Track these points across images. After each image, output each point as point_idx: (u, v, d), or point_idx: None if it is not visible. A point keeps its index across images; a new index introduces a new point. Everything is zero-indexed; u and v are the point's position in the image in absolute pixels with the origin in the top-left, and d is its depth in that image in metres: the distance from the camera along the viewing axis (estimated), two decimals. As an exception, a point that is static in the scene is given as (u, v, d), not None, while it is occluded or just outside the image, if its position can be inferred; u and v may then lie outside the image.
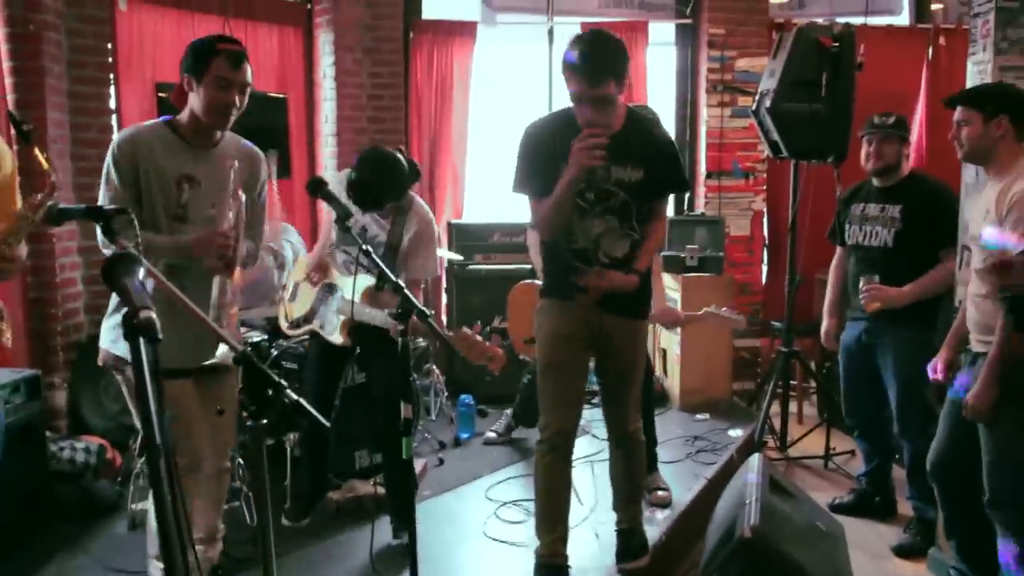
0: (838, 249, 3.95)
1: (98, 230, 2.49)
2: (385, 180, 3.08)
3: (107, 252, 2.53)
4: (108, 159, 2.45)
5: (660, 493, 3.69)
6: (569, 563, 2.98)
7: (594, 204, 2.78)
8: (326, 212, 3.38)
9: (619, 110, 2.78)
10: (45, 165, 2.08)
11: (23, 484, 3.28)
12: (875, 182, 3.67)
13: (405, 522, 3.11)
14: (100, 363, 2.64)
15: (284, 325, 3.44)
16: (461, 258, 5.33)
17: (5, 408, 3.17)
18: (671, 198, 5.96)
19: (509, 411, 4.58)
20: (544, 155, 2.78)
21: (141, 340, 1.11)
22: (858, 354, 3.69)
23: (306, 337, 3.46)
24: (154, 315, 1.15)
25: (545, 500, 2.97)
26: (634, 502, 3.14)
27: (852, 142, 4.23)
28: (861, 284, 3.53)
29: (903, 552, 3.48)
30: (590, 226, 2.80)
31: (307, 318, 3.30)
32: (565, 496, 2.98)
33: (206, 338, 2.20)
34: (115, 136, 2.49)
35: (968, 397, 2.70)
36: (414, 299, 2.40)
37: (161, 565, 2.51)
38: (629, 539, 3.12)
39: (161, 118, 2.58)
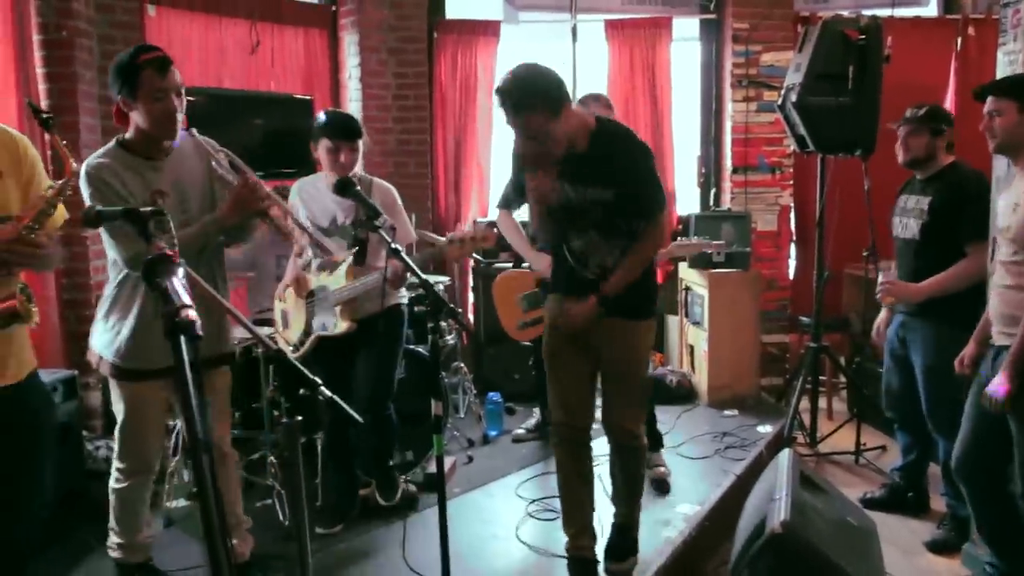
0: None
1: (108, 243, 2.58)
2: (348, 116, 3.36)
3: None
4: (93, 190, 2.47)
5: (660, 469, 3.86)
6: (597, 557, 3.00)
7: (574, 220, 2.80)
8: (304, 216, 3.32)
9: (582, 130, 2.75)
10: (64, 151, 2.12)
11: (60, 483, 3.34)
12: (917, 174, 3.61)
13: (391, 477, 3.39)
14: (88, 358, 2.78)
15: (289, 352, 3.37)
16: (482, 257, 5.33)
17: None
18: (692, 193, 6.03)
19: (538, 408, 4.60)
20: (515, 164, 2.99)
21: (182, 338, 1.14)
22: (896, 347, 3.67)
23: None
24: (195, 314, 1.18)
25: (562, 494, 3.04)
26: (632, 500, 3.11)
27: (880, 135, 4.20)
28: (880, 277, 3.50)
29: (937, 548, 3.44)
30: (573, 241, 2.85)
31: (307, 332, 3.30)
32: (581, 490, 3.01)
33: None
34: (84, 165, 2.50)
35: (988, 389, 2.68)
36: (442, 296, 2.48)
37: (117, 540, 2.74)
38: (622, 535, 3.11)
39: (112, 141, 2.62)
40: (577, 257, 2.86)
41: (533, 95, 2.61)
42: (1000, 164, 3.15)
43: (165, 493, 3.47)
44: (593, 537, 3.03)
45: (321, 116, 3.27)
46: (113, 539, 2.86)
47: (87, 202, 2.54)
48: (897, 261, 3.69)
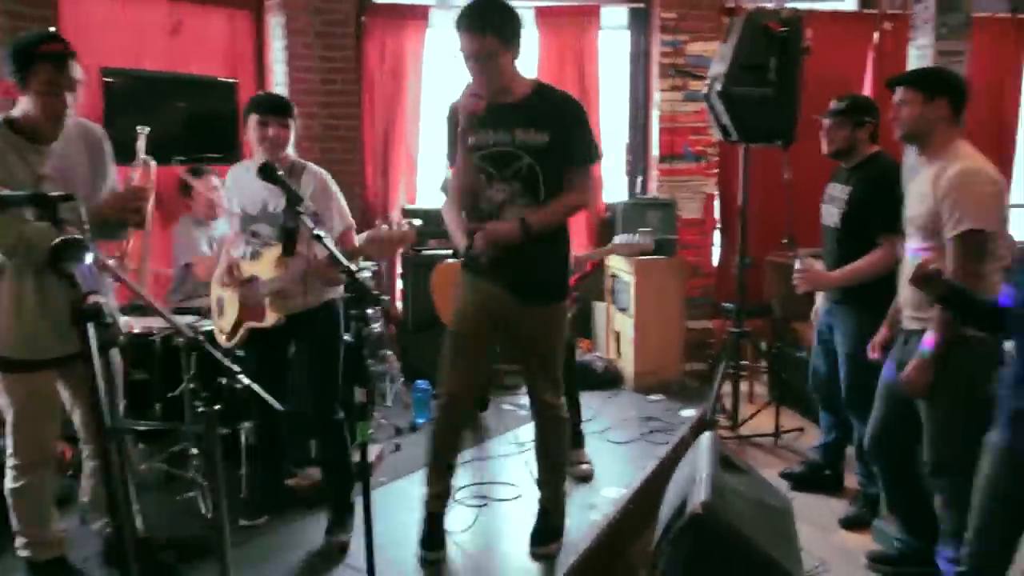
0: None
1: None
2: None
3: None
4: None
5: (583, 467, 3.88)
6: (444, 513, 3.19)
7: (500, 169, 2.87)
8: (234, 203, 3.27)
9: (523, 80, 2.90)
10: None
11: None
12: (843, 163, 3.66)
13: (345, 516, 3.20)
14: None
15: (223, 341, 3.30)
16: (420, 222, 5.25)
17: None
18: (619, 181, 6.10)
19: None
20: (453, 124, 2.96)
21: (90, 325, 1.11)
22: (824, 332, 3.77)
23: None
24: (103, 300, 1.15)
25: (436, 458, 3.16)
26: (555, 478, 3.21)
27: (800, 125, 4.31)
28: (796, 265, 3.60)
29: (849, 524, 3.57)
30: (494, 192, 2.90)
31: (240, 321, 3.20)
32: (452, 456, 3.20)
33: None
34: None
35: (904, 373, 2.80)
36: (367, 284, 2.44)
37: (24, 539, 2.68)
38: (546, 520, 3.19)
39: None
40: (489, 214, 2.90)
41: (498, 15, 2.74)
42: (911, 155, 3.26)
43: (80, 489, 3.36)
44: (449, 495, 3.22)
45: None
46: (20, 539, 2.77)
47: None
48: (824, 248, 3.79)
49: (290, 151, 3.20)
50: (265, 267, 3.07)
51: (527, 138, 2.83)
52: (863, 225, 3.47)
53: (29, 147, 2.50)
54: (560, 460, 3.24)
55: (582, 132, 2.93)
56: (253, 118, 3.10)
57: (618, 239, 3.96)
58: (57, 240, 1.27)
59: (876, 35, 6.01)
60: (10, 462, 2.69)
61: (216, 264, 4.17)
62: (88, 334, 1.11)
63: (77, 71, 2.48)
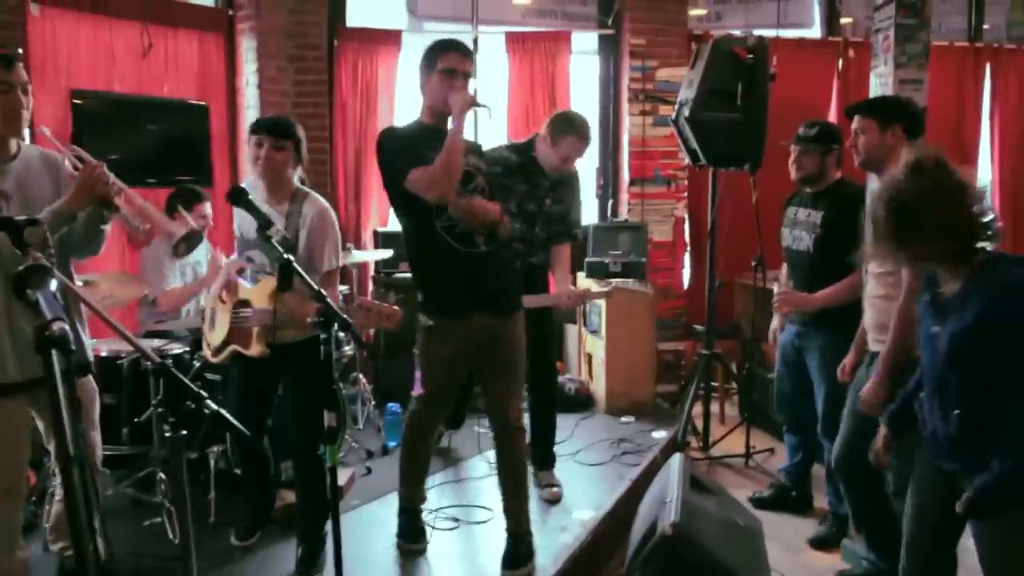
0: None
1: None
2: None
3: None
4: None
5: (553, 490, 3.88)
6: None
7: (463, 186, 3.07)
8: (236, 225, 3.25)
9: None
10: None
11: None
12: (807, 188, 3.74)
13: (318, 552, 3.16)
14: None
15: (208, 355, 3.29)
16: (391, 253, 5.26)
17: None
18: (591, 204, 6.15)
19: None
20: (414, 150, 2.99)
21: (54, 352, 1.10)
22: (791, 355, 3.80)
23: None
24: (67, 327, 1.14)
25: (415, 464, 3.41)
26: (519, 499, 3.25)
27: (767, 150, 4.39)
28: (776, 288, 3.64)
29: (818, 544, 3.61)
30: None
31: (227, 341, 3.15)
32: (427, 463, 3.49)
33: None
34: None
35: (863, 391, 2.85)
36: (334, 305, 2.44)
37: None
38: (516, 545, 3.18)
39: None
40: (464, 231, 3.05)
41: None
42: (874, 180, 3.34)
43: (44, 515, 3.31)
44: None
45: None
46: None
47: None
48: (789, 271, 3.83)
49: (294, 179, 3.14)
50: (259, 296, 2.99)
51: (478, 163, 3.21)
52: (837, 248, 3.48)
53: None
54: (524, 477, 3.30)
55: None
56: (251, 138, 3.05)
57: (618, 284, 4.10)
58: (20, 267, 1.27)
59: (840, 62, 6.15)
60: None
61: (182, 296, 4.15)
62: (52, 361, 1.10)
63: (24, 75, 2.48)
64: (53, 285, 1.24)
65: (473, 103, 2.95)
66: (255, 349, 3.01)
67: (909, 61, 3.29)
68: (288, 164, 3.07)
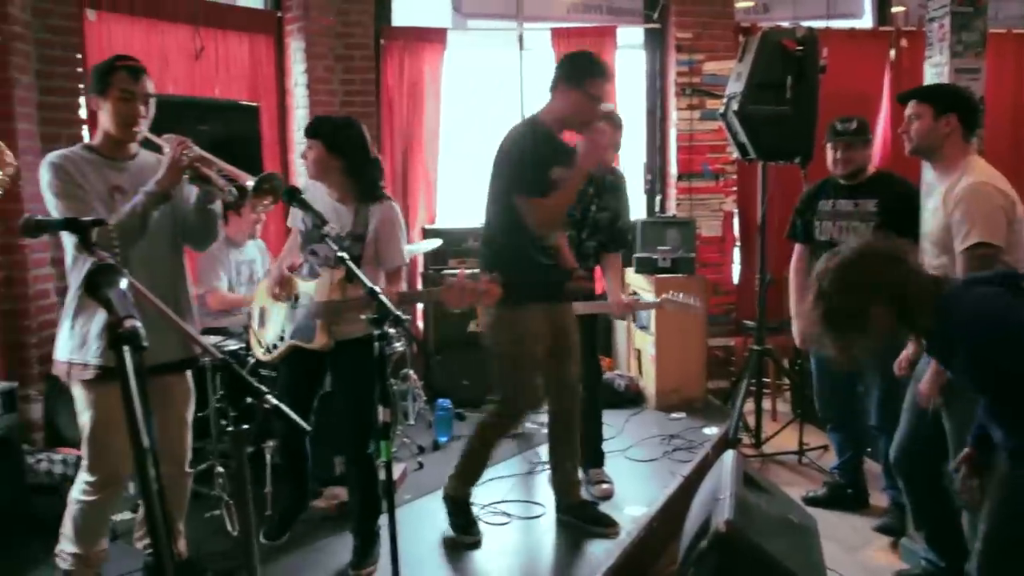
0: (797, 248, 3.97)
1: (68, 242, 2.56)
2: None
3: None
4: (54, 175, 2.52)
5: (604, 486, 3.90)
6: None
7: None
8: (292, 227, 3.33)
9: None
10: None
11: (0, 497, 3.26)
12: (841, 180, 3.72)
13: (371, 548, 3.19)
14: (56, 373, 2.70)
15: (260, 353, 3.32)
16: (440, 242, 5.30)
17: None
18: (638, 200, 6.13)
19: None
20: (540, 171, 3.12)
21: (126, 349, 1.14)
22: None
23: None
24: (139, 324, 1.18)
25: (484, 462, 3.52)
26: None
27: (818, 142, 4.32)
28: (793, 267, 3.58)
29: (885, 531, 3.55)
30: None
31: (282, 337, 3.20)
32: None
33: (160, 335, 2.22)
34: (48, 157, 2.57)
35: (921, 385, 2.79)
36: (389, 303, 2.47)
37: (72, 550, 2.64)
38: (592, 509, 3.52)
39: (78, 144, 2.70)
40: (551, 245, 3.30)
41: None
42: (929, 172, 3.27)
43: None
44: None
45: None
46: (68, 548, 2.72)
47: (44, 192, 2.55)
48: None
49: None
50: (321, 287, 3.04)
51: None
52: (901, 234, 3.46)
53: (105, 162, 2.64)
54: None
55: None
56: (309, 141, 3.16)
57: (667, 296, 4.07)
58: (93, 266, 1.31)
59: (892, 52, 6.03)
60: (84, 476, 2.68)
61: (234, 303, 4.20)
62: (125, 358, 1.14)
63: (150, 86, 2.64)
64: (123, 284, 1.27)
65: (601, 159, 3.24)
66: (319, 341, 3.07)
67: (966, 50, 3.21)
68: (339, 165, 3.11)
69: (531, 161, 3.13)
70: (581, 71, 3.17)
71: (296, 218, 3.26)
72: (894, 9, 6.51)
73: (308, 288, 3.14)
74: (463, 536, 3.41)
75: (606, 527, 3.41)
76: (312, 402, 3.32)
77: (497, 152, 3.24)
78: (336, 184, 3.13)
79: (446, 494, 3.53)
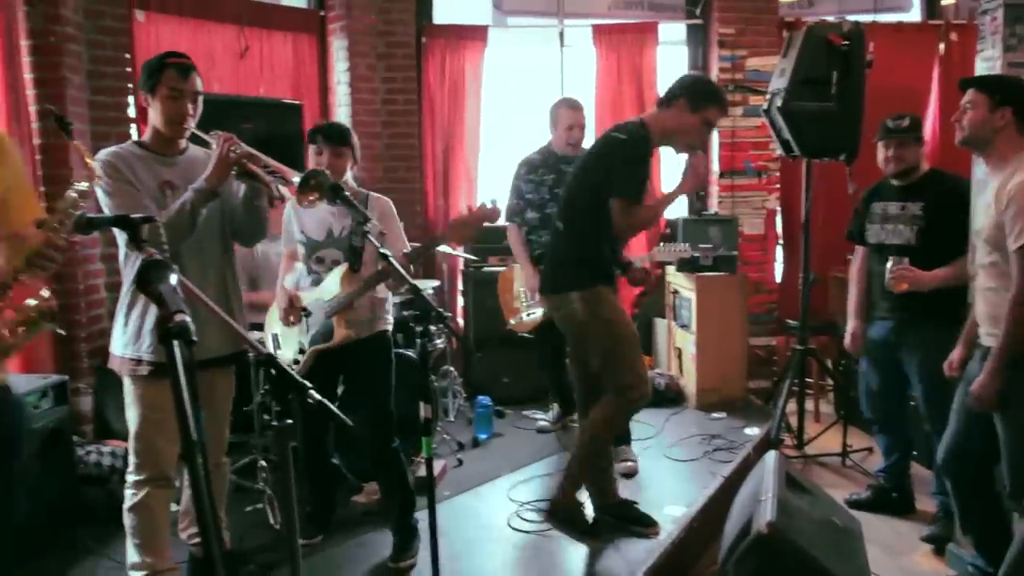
0: (858, 250, 3.93)
1: (121, 239, 2.60)
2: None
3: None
4: (106, 172, 2.55)
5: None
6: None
7: None
8: (284, 243, 3.39)
9: None
10: (85, 155, 2.10)
11: (51, 488, 3.34)
12: (893, 181, 3.69)
13: (410, 541, 3.20)
14: (111, 368, 2.72)
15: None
16: (475, 259, 5.36)
17: (33, 413, 3.24)
18: (679, 200, 6.08)
19: (556, 402, 4.77)
20: (642, 181, 3.22)
21: (176, 343, 1.16)
22: (883, 351, 3.71)
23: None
24: (189, 319, 1.20)
25: (607, 450, 3.52)
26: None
27: (864, 138, 4.26)
28: (889, 264, 3.52)
29: (933, 541, 3.48)
30: None
31: (302, 350, 3.23)
32: None
33: (205, 331, 2.25)
34: (100, 154, 2.60)
35: (974, 387, 2.73)
36: (407, 275, 2.62)
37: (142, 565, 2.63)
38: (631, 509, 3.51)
39: (128, 141, 2.75)
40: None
41: None
42: (980, 168, 3.20)
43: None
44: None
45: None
46: (134, 558, 2.67)
47: (96, 188, 2.55)
48: (878, 268, 3.71)
49: (350, 180, 3.26)
50: (331, 286, 3.11)
51: None
52: (944, 238, 3.45)
53: (155, 158, 2.68)
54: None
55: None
56: (311, 148, 3.20)
57: (660, 247, 4.43)
58: (144, 261, 1.33)
59: (942, 46, 5.91)
60: (131, 476, 2.69)
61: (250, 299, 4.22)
62: (175, 352, 1.16)
63: (199, 83, 2.67)
64: (173, 279, 1.30)
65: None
66: (340, 334, 3.11)
67: (1020, 43, 3.13)
68: (346, 168, 3.22)
69: (642, 168, 3.22)
70: (706, 97, 3.22)
71: (291, 230, 3.30)
72: (943, 2, 6.37)
73: (315, 295, 3.18)
74: (645, 528, 3.39)
75: (646, 527, 3.39)
76: (333, 400, 3.31)
77: (609, 145, 3.28)
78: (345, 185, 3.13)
79: (598, 509, 3.49)
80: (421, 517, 3.20)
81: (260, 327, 4.12)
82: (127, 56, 4.58)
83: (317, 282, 3.21)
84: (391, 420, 3.22)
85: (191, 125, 2.68)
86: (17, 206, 2.22)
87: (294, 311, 3.21)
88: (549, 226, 3.81)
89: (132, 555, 2.68)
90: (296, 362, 3.24)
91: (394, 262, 2.53)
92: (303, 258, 3.27)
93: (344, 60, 5.52)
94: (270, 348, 3.39)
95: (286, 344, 3.31)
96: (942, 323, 3.39)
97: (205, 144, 2.75)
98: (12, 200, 2.21)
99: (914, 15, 6.43)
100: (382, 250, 2.55)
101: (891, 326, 3.66)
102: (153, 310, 2.53)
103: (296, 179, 2.57)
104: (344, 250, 3.18)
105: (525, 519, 3.56)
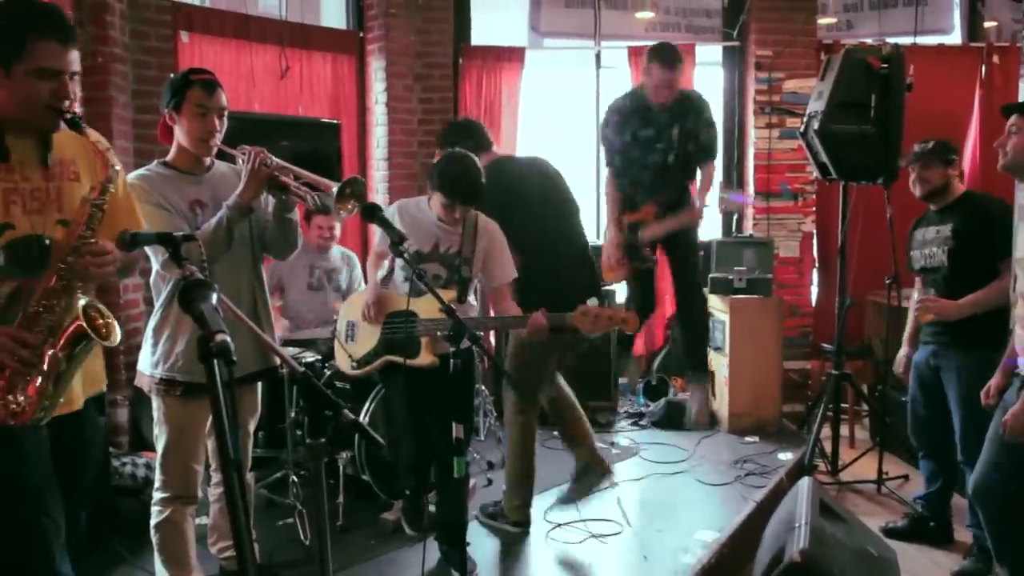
0: (916, 278, 3.87)
1: (154, 258, 2.62)
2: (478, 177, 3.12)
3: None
4: (136, 196, 2.44)
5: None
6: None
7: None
8: (377, 244, 3.37)
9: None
10: (101, 149, 1.98)
11: (88, 499, 3.38)
12: (931, 205, 3.67)
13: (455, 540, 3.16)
14: (139, 385, 2.73)
15: (346, 367, 3.33)
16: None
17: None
18: (714, 219, 6.07)
19: None
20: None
21: (216, 362, 1.18)
22: (927, 376, 3.67)
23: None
24: (228, 338, 1.22)
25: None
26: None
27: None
28: (915, 295, 3.51)
29: (965, 575, 3.41)
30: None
31: (377, 352, 3.21)
32: None
33: (236, 348, 2.26)
34: (127, 178, 2.50)
35: (1007, 417, 2.68)
36: (462, 321, 2.54)
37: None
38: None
39: (154, 162, 2.71)
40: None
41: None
42: (1022, 193, 3.16)
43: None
44: None
45: (451, 166, 3.13)
46: (163, 572, 2.71)
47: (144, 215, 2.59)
48: (921, 293, 3.70)
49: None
50: (429, 306, 2.97)
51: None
52: (974, 258, 3.43)
53: (183, 178, 2.66)
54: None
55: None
56: (438, 194, 3.10)
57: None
58: (187, 281, 1.36)
59: (983, 69, 5.84)
60: (157, 495, 2.70)
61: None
62: (215, 371, 1.18)
63: (223, 99, 2.65)
64: (214, 299, 1.32)
65: None
66: (426, 359, 3.10)
67: (1064, 67, 3.10)
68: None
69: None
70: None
71: (386, 238, 3.28)
72: (986, 24, 6.31)
73: (412, 306, 3.08)
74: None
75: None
76: (427, 418, 3.22)
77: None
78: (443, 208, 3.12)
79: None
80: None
81: (305, 343, 4.18)
82: (172, 76, 4.67)
83: (418, 292, 3.04)
84: (466, 443, 3.17)
85: (218, 141, 2.66)
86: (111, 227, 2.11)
87: (379, 311, 3.20)
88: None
89: (160, 571, 2.72)
90: (366, 361, 3.24)
91: (429, 284, 2.55)
92: (401, 266, 3.22)
93: (382, 80, 5.59)
94: (342, 335, 3.37)
95: (363, 339, 3.27)
96: (982, 349, 3.33)
97: (231, 159, 2.75)
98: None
99: (955, 37, 6.37)
100: (417, 268, 2.57)
101: (932, 350, 3.62)
102: (185, 330, 2.61)
103: (334, 188, 2.57)
104: (449, 269, 3.14)
105: (555, 539, 3.54)
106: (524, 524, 3.60)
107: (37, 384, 1.86)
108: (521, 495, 3.59)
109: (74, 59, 1.92)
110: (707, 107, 4.40)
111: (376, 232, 3.38)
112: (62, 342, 1.90)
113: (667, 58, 4.17)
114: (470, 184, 3.07)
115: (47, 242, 1.95)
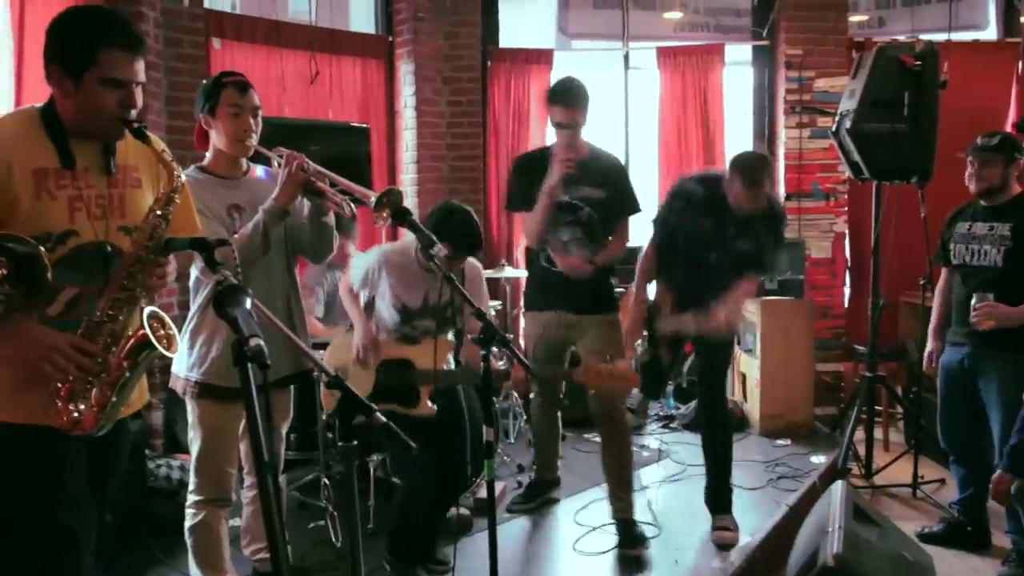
0: (943, 271, 3.83)
1: (197, 262, 2.65)
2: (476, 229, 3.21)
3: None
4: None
5: (725, 533, 3.54)
6: None
7: (565, 215, 3.47)
8: (347, 277, 3.37)
9: (584, 144, 3.58)
10: (166, 160, 2.02)
11: (123, 500, 3.43)
12: (982, 201, 3.59)
13: None
14: (173, 387, 2.75)
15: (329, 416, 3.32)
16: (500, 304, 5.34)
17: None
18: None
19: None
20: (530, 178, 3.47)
21: (250, 366, 1.19)
22: (959, 378, 3.59)
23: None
24: (263, 343, 1.23)
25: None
26: (621, 490, 3.52)
27: (938, 161, 4.16)
28: (974, 301, 3.41)
29: None
30: (560, 235, 3.48)
31: (372, 401, 3.17)
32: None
33: (270, 351, 2.27)
34: None
35: None
36: (467, 295, 2.57)
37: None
38: (626, 530, 3.45)
39: (191, 167, 2.69)
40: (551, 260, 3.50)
41: (584, 93, 3.51)
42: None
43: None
44: None
45: (453, 216, 3.16)
46: (197, 574, 2.73)
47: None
48: (959, 289, 3.62)
49: None
50: (426, 355, 3.03)
51: (588, 194, 3.48)
52: None
53: (219, 182, 2.68)
54: (627, 470, 3.61)
55: (629, 191, 3.64)
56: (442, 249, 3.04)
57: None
58: (222, 286, 1.38)
59: (1020, 65, 5.74)
60: (191, 497, 2.72)
61: (317, 331, 4.20)
62: (249, 375, 1.19)
63: (256, 99, 2.67)
64: (248, 303, 1.34)
65: None
66: (423, 409, 3.12)
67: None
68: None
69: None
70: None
71: (383, 284, 3.25)
72: (1022, 19, 6.20)
73: (404, 354, 3.16)
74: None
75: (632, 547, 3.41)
76: (464, 445, 3.25)
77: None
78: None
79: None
80: (482, 538, 3.21)
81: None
82: (203, 82, 4.73)
83: (411, 340, 3.19)
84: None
85: (254, 141, 2.67)
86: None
87: (374, 356, 3.19)
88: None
89: (195, 572, 2.75)
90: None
91: (459, 286, 2.55)
92: (395, 324, 3.24)
93: (411, 84, 5.62)
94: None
95: (352, 383, 3.26)
96: (1019, 351, 3.28)
97: (266, 160, 2.76)
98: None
99: (990, 33, 6.27)
100: (447, 273, 2.57)
101: (967, 352, 3.55)
102: (220, 335, 2.62)
103: (373, 197, 2.56)
104: (440, 320, 3.17)
105: (584, 541, 3.53)
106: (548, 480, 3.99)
107: (99, 393, 1.87)
108: (541, 458, 4.00)
109: (141, 69, 1.94)
110: (783, 222, 3.70)
111: (349, 267, 3.41)
112: (125, 351, 1.91)
113: (751, 175, 3.41)
114: (474, 235, 3.17)
115: (109, 249, 1.96)
